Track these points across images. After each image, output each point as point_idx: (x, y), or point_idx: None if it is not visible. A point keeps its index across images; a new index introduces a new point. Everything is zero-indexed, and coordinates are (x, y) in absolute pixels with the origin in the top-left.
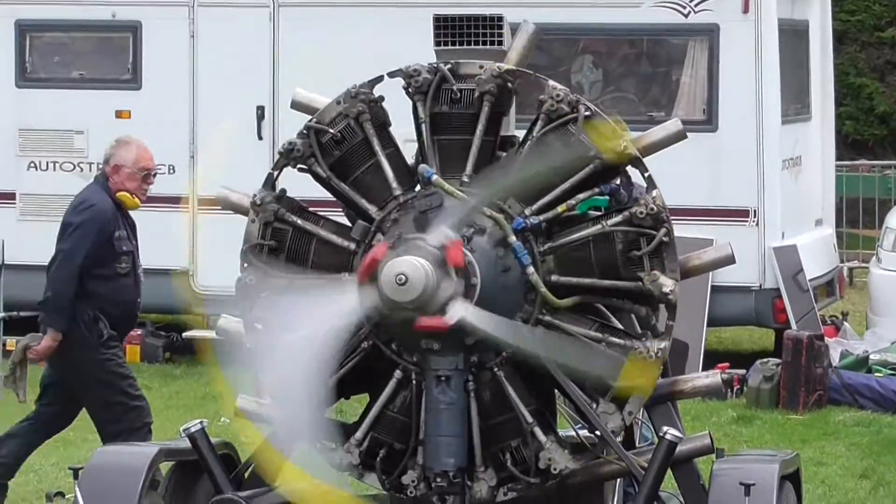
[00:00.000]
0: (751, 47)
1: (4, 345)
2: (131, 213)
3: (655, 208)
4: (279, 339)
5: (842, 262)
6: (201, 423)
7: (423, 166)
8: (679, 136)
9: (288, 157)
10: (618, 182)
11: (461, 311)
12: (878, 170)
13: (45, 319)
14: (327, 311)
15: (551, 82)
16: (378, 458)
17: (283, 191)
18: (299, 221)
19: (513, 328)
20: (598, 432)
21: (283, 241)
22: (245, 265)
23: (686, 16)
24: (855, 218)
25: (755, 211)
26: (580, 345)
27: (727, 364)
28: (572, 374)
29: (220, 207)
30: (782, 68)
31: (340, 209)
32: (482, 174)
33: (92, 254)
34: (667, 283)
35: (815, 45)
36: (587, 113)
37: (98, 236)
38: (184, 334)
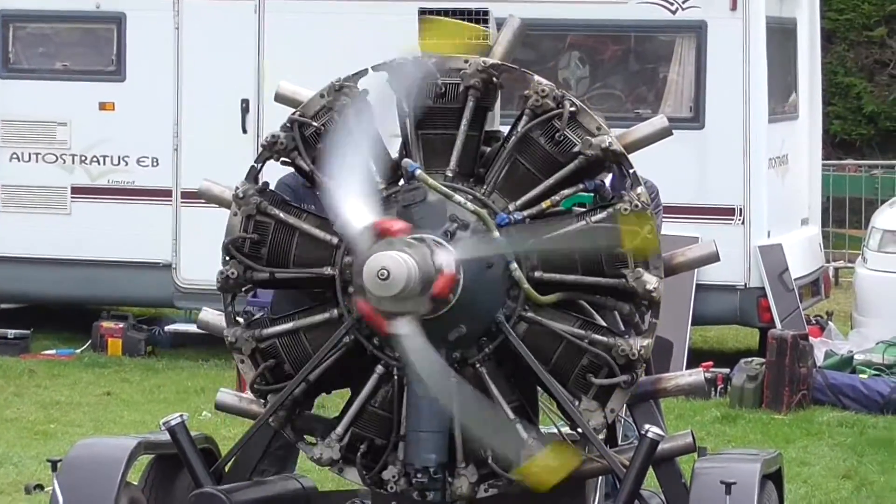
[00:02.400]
0: (738, 45)
1: None
2: None
3: (639, 205)
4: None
5: (827, 261)
6: (181, 416)
7: (406, 160)
8: (665, 133)
9: (271, 149)
10: (606, 180)
11: (405, 330)
12: (865, 169)
13: None
14: (349, 201)
15: (537, 77)
16: (359, 454)
17: (266, 184)
18: (282, 215)
19: (439, 374)
20: (579, 429)
21: (265, 234)
22: (227, 258)
23: (674, 12)
24: (841, 218)
25: (741, 209)
26: (493, 414)
27: (711, 363)
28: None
29: (203, 200)
30: (770, 66)
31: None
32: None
33: None
34: (651, 281)
35: (803, 43)
36: (572, 109)
37: None
38: (166, 328)
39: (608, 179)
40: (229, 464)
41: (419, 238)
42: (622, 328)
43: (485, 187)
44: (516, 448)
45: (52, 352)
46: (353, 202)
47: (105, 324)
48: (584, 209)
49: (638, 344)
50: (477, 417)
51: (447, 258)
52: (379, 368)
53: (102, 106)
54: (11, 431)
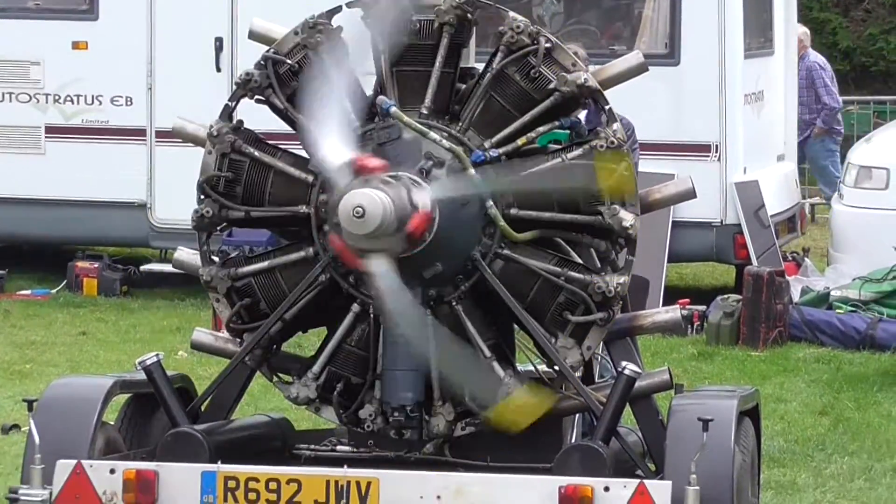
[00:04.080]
0: None
1: None
2: None
3: (616, 142)
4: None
5: (803, 198)
6: (157, 355)
7: (381, 98)
8: (640, 69)
9: (245, 87)
10: (580, 116)
11: (379, 269)
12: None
13: None
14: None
15: (511, 14)
16: (335, 392)
17: (241, 122)
18: (256, 153)
19: (411, 313)
20: (556, 367)
21: (240, 172)
22: (202, 197)
23: None
24: None
25: (717, 146)
26: (467, 354)
27: (688, 300)
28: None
29: (177, 139)
30: (745, 2)
31: (298, 142)
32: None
33: None
34: (627, 218)
35: None
36: (548, 45)
37: None
38: (141, 267)
39: (582, 115)
40: (205, 403)
41: (395, 176)
42: (598, 265)
43: (460, 124)
44: (492, 388)
45: (28, 292)
46: (332, 139)
47: (80, 264)
48: (559, 146)
49: (614, 281)
50: (451, 358)
51: (423, 197)
52: (355, 307)
53: (75, 45)
54: None
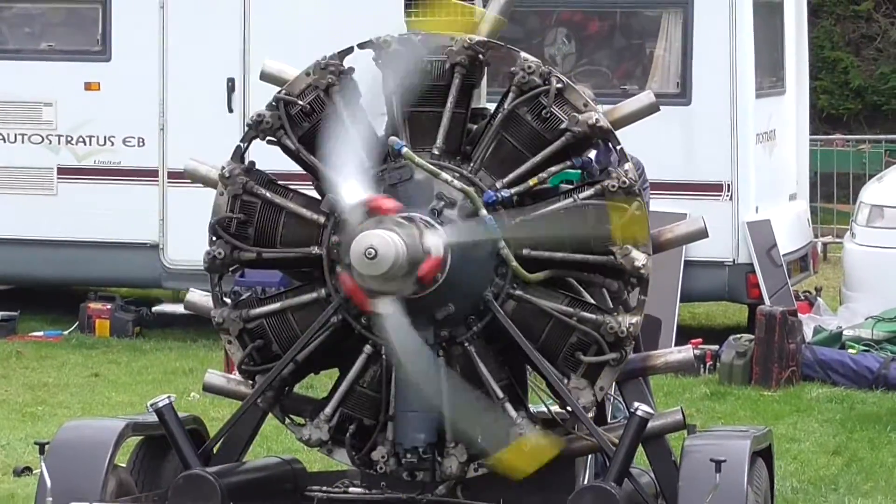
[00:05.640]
0: (725, 20)
1: None
2: None
3: (627, 181)
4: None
5: (816, 237)
6: (169, 397)
7: (393, 138)
8: (652, 109)
9: (257, 129)
10: (590, 155)
11: (387, 310)
12: (852, 144)
13: None
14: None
15: (523, 54)
16: (348, 434)
17: (252, 163)
18: (268, 194)
19: (416, 354)
20: (569, 408)
21: (251, 213)
22: (213, 238)
23: None
24: (829, 193)
25: (729, 185)
26: (474, 400)
27: (700, 340)
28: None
29: (189, 180)
30: (757, 41)
31: (310, 182)
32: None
33: None
34: (639, 258)
35: (789, 17)
36: (559, 85)
37: None
38: (153, 309)
39: (592, 155)
40: (217, 445)
41: (409, 217)
42: (611, 305)
43: (472, 165)
44: (501, 432)
45: (40, 333)
46: (346, 179)
47: (92, 305)
48: (571, 186)
49: (626, 321)
50: (459, 402)
51: (436, 241)
52: (367, 348)
53: (88, 86)
54: None
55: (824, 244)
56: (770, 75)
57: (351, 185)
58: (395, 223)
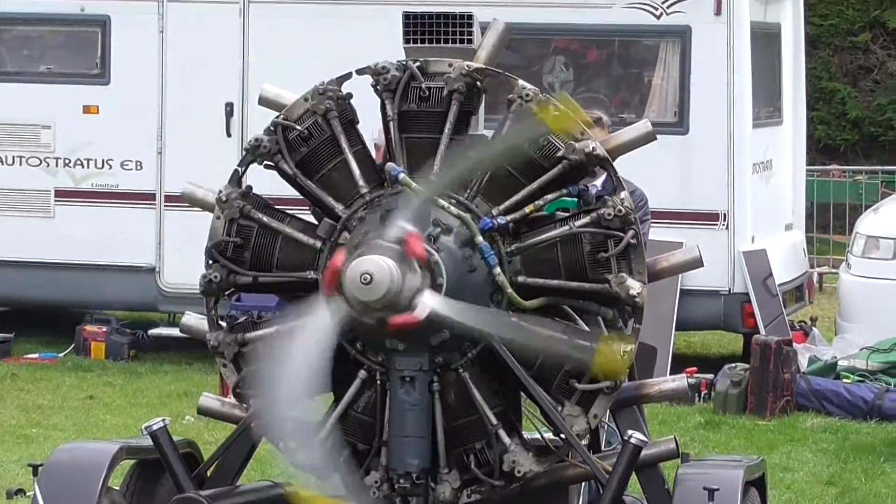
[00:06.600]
0: (723, 50)
1: None
2: None
3: (623, 210)
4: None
5: (812, 267)
6: (163, 420)
7: (390, 164)
8: (649, 138)
9: (254, 153)
10: (597, 183)
11: (430, 303)
12: (849, 175)
13: None
14: (305, 335)
15: (521, 81)
16: (341, 459)
17: (249, 187)
18: (265, 218)
19: (483, 314)
20: (563, 435)
21: (248, 238)
22: (210, 262)
23: (658, 17)
24: (826, 223)
25: (725, 214)
26: (551, 331)
27: (695, 368)
28: (544, 362)
29: (186, 204)
30: (754, 71)
31: (307, 207)
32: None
33: None
34: (634, 286)
35: (787, 48)
36: (556, 113)
37: None
38: (149, 332)
39: (599, 182)
40: (211, 469)
41: (362, 242)
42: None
43: (468, 191)
44: (588, 352)
45: (35, 355)
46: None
47: (88, 327)
48: (567, 214)
49: (621, 349)
50: (542, 338)
51: (400, 228)
52: (362, 373)
53: (86, 109)
54: None
55: (820, 274)
56: (767, 105)
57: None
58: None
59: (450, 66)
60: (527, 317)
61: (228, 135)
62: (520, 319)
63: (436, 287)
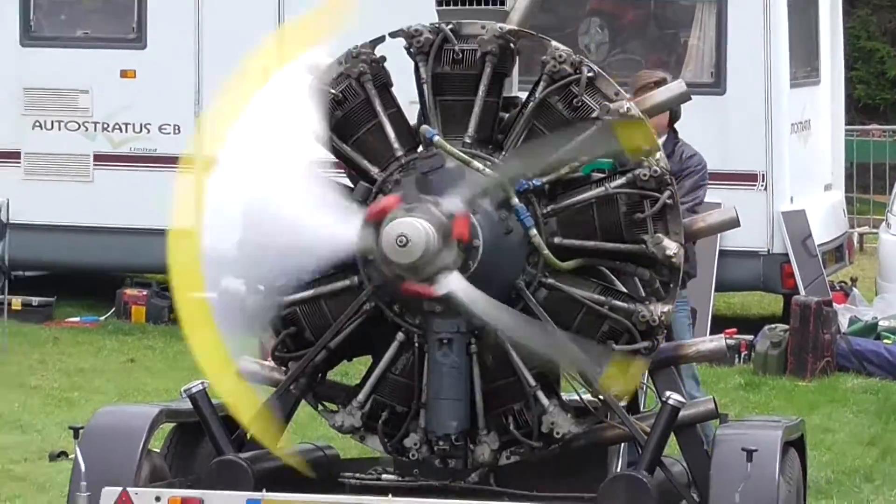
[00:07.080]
0: (759, 9)
1: (10, 304)
2: None
3: (659, 170)
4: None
5: (851, 227)
6: (202, 383)
7: (424, 127)
8: (683, 98)
9: None
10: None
11: (453, 285)
12: (889, 134)
13: None
14: (325, 227)
15: (554, 43)
16: (380, 421)
17: None
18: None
19: (500, 311)
20: (601, 396)
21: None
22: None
23: None
24: (866, 183)
25: (763, 175)
26: (562, 337)
27: (735, 329)
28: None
29: None
30: (791, 31)
31: (342, 170)
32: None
33: None
34: (670, 246)
35: (825, 7)
36: (590, 74)
37: None
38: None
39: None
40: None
41: (417, 198)
42: (643, 294)
43: (503, 153)
44: (596, 361)
45: (76, 319)
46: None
47: (129, 291)
48: (602, 175)
49: (658, 310)
50: (551, 343)
51: (453, 203)
52: (400, 335)
53: (124, 73)
54: (36, 399)
55: (860, 234)
56: (805, 65)
57: (341, 225)
58: (408, 209)
59: (483, 28)
60: (541, 324)
61: None
62: (535, 327)
63: (472, 249)
